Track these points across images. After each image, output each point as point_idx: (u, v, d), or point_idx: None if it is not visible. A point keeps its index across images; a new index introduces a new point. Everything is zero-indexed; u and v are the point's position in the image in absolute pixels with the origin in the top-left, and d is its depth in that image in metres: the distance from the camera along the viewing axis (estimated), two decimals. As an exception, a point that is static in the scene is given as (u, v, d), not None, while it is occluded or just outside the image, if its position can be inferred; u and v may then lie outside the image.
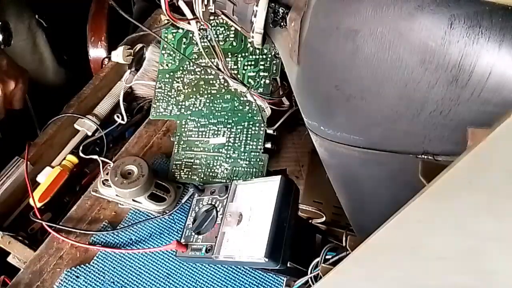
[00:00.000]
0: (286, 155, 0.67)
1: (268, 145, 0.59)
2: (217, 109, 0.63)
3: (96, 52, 0.71)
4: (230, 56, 0.63)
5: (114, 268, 0.56)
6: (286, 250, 0.45)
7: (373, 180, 0.39)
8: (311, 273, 0.46)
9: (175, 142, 0.64)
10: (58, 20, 0.78)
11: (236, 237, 0.48)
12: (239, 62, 0.62)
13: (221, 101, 0.63)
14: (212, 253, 0.48)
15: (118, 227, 0.59)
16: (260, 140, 0.59)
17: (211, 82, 0.64)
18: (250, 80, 0.61)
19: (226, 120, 0.62)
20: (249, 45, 0.62)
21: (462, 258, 0.23)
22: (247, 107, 0.61)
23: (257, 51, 0.62)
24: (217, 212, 0.52)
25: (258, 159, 0.58)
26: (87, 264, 0.56)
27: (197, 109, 0.64)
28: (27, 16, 0.73)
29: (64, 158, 0.64)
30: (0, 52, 0.62)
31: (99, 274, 0.56)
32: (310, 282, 0.47)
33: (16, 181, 0.61)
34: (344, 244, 0.44)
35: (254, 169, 0.58)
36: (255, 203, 0.49)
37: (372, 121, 0.34)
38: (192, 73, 0.65)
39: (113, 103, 0.70)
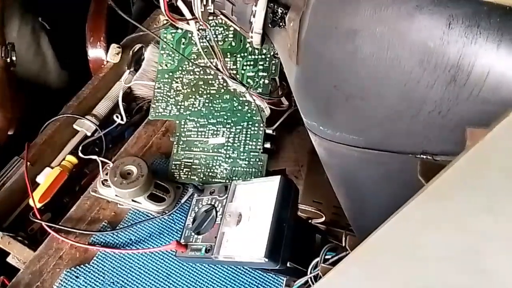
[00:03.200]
0: (286, 155, 0.67)
1: (268, 145, 0.59)
2: (216, 109, 0.63)
3: (95, 52, 0.71)
4: (229, 56, 0.63)
5: (114, 268, 0.56)
6: (286, 250, 0.45)
7: (372, 180, 0.39)
8: (310, 273, 0.46)
9: (174, 142, 0.64)
10: (62, 23, 0.78)
11: (236, 237, 0.48)
12: (238, 62, 0.62)
13: (220, 101, 0.63)
14: (211, 253, 0.48)
15: (117, 227, 0.59)
16: (260, 140, 0.59)
17: (210, 82, 0.64)
18: (249, 80, 0.61)
19: (225, 120, 0.62)
20: (248, 45, 0.62)
21: (461, 257, 0.23)
22: (246, 107, 0.61)
23: (256, 51, 0.62)
24: (216, 212, 0.52)
25: (257, 159, 0.58)
26: (86, 264, 0.56)
27: (196, 109, 0.64)
28: (30, 19, 0.73)
29: (64, 159, 0.64)
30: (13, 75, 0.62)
31: (98, 274, 0.56)
32: (310, 282, 0.47)
33: (15, 182, 0.61)
34: (343, 244, 0.44)
35: (253, 169, 0.58)
36: (254, 203, 0.49)
37: (371, 121, 0.34)
38: (191, 73, 0.65)
39: (112, 104, 0.70)
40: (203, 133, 0.63)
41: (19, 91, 0.65)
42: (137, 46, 0.71)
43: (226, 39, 0.64)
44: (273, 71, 0.60)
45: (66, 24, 0.77)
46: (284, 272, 0.52)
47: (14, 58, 0.62)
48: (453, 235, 0.22)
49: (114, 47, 0.69)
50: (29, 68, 0.70)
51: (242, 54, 0.62)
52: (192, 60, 0.65)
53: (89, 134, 0.67)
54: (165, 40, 0.67)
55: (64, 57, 0.80)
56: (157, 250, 0.57)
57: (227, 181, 0.59)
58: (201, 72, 0.65)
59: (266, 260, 0.44)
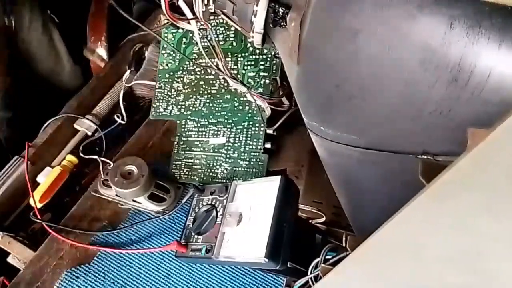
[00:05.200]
0: (286, 155, 0.67)
1: (268, 145, 0.59)
2: (217, 109, 0.63)
3: (96, 51, 0.71)
4: (230, 56, 0.63)
5: (114, 268, 0.56)
6: (286, 251, 0.45)
7: (373, 180, 0.39)
8: (311, 273, 0.46)
9: (175, 142, 0.64)
10: (71, 16, 0.76)
11: (236, 238, 0.48)
12: (239, 62, 0.62)
13: (221, 101, 0.63)
14: (212, 253, 0.48)
15: (118, 227, 0.59)
16: (260, 140, 0.59)
17: (211, 82, 0.64)
18: (250, 80, 0.61)
19: (226, 120, 0.62)
20: (249, 45, 0.62)
21: (462, 258, 0.23)
22: (247, 107, 0.61)
23: (257, 51, 0.61)
24: (217, 212, 0.52)
25: (258, 159, 0.58)
26: (87, 264, 0.56)
27: (197, 109, 0.64)
28: (41, 13, 0.71)
29: (64, 158, 0.64)
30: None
31: (99, 274, 0.56)
32: (310, 282, 0.47)
33: (16, 181, 0.61)
34: (344, 244, 0.44)
35: (254, 169, 0.58)
36: (255, 203, 0.49)
37: (372, 121, 0.34)
38: (192, 73, 0.65)
39: (113, 103, 0.69)
40: (204, 133, 0.62)
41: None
42: (138, 46, 0.71)
43: (227, 39, 0.64)
44: (274, 71, 0.60)
45: (75, 17, 0.75)
46: (284, 272, 0.52)
47: (12, 23, 0.61)
48: (454, 236, 0.22)
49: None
50: (43, 65, 0.69)
51: (243, 54, 0.62)
52: (193, 60, 0.65)
53: (89, 133, 0.67)
54: (166, 39, 0.67)
55: (75, 51, 0.78)
56: (158, 250, 0.57)
57: (227, 181, 0.59)
58: (202, 72, 0.65)
59: (267, 260, 0.44)
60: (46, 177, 0.61)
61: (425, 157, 0.31)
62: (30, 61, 0.69)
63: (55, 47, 0.73)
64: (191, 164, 0.62)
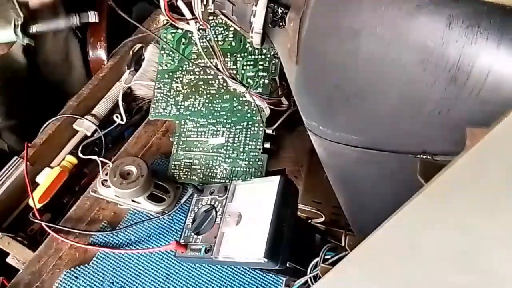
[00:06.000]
0: (285, 155, 0.67)
1: (267, 145, 0.59)
2: (216, 109, 0.63)
3: (96, 52, 0.71)
4: (229, 56, 0.63)
5: (114, 268, 0.56)
6: (285, 250, 0.45)
7: (371, 179, 0.39)
8: (310, 273, 0.46)
9: (174, 142, 0.64)
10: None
11: (235, 237, 0.48)
12: (238, 62, 0.62)
13: (220, 101, 0.63)
14: (211, 253, 0.48)
15: (117, 228, 0.59)
16: (259, 140, 0.59)
17: (210, 82, 0.64)
18: (249, 80, 0.61)
19: (225, 120, 0.62)
20: (248, 45, 0.62)
21: (460, 257, 0.23)
22: (246, 107, 0.61)
23: (256, 51, 0.61)
24: (216, 212, 0.52)
25: (257, 159, 0.58)
26: (86, 265, 0.56)
27: (196, 109, 0.64)
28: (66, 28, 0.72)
29: (63, 159, 0.64)
30: None
31: (98, 275, 0.56)
32: (310, 282, 0.47)
33: (15, 182, 0.60)
34: (343, 244, 0.44)
35: (253, 169, 0.58)
36: (254, 203, 0.49)
37: (371, 121, 0.34)
38: (191, 73, 0.65)
39: (112, 104, 0.70)
40: (203, 133, 0.62)
41: None
42: (137, 46, 0.71)
43: (226, 39, 0.64)
44: (273, 71, 0.60)
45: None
46: (283, 272, 0.52)
47: None
48: (452, 235, 0.22)
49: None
50: (55, 72, 0.69)
51: (242, 54, 0.62)
52: (192, 60, 0.65)
53: (89, 134, 0.67)
54: (165, 40, 0.67)
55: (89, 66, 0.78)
56: (157, 250, 0.57)
57: (227, 181, 0.59)
58: (201, 72, 0.65)
59: (266, 260, 0.44)
60: (46, 178, 0.61)
61: (424, 156, 0.32)
62: (44, 71, 0.69)
63: (70, 59, 0.74)
64: (190, 164, 0.62)
